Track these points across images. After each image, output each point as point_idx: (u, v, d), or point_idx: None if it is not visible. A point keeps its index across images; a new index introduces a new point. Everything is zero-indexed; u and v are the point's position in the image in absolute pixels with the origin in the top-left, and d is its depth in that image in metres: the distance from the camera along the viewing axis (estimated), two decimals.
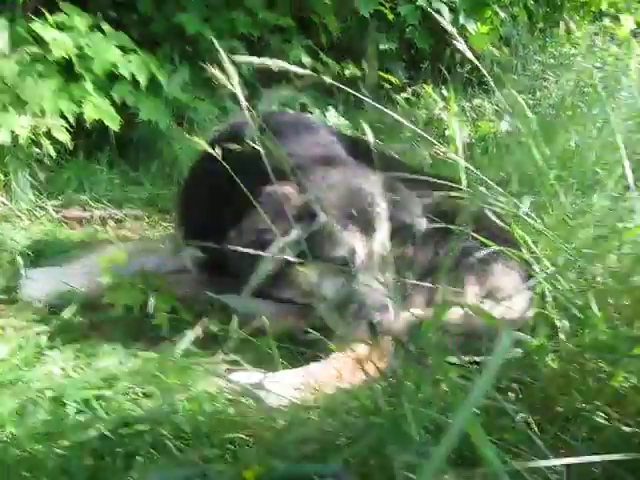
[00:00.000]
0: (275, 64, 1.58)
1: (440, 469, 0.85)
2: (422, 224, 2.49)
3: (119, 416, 1.95)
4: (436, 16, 1.86)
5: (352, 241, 2.39)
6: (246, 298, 2.60)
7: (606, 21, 8.68)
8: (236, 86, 1.58)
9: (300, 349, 2.23)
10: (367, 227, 2.43)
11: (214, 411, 1.98)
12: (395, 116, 2.01)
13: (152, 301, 2.49)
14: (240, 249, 1.93)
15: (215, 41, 1.66)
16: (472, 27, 5.74)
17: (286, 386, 2.12)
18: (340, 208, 2.36)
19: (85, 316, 2.57)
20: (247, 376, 2.11)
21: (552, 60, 6.72)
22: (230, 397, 2.05)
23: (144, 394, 2.11)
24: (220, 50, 1.58)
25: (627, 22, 8.80)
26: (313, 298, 2.32)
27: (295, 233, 1.98)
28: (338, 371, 2.06)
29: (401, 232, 2.48)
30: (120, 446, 1.81)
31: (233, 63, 1.68)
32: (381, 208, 2.48)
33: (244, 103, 1.61)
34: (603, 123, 4.66)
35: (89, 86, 4.11)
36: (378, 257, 2.46)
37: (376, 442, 1.57)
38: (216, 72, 1.58)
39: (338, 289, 2.39)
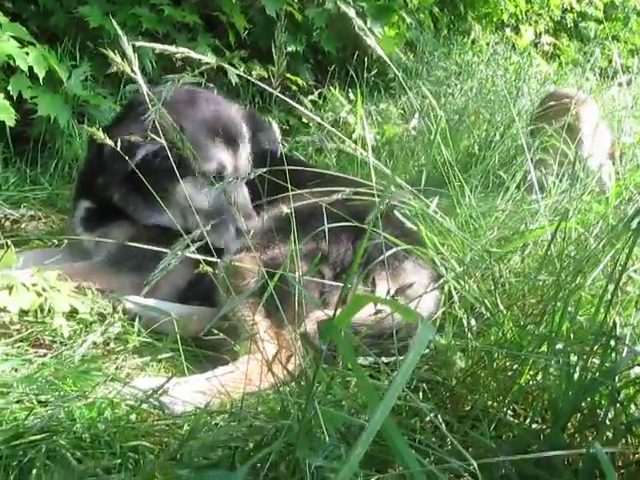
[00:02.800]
0: (178, 52, 1.52)
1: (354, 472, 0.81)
2: (278, 150, 2.79)
3: (12, 426, 1.83)
4: (347, 12, 1.82)
5: (220, 155, 2.68)
6: (150, 300, 2.55)
7: (507, 31, 8.98)
8: (137, 72, 1.51)
9: (206, 352, 2.16)
10: (232, 143, 2.73)
11: (115, 418, 1.88)
12: (305, 112, 1.98)
13: (49, 304, 2.37)
14: None
15: (119, 29, 1.57)
16: (379, 31, 5.77)
17: (192, 391, 2.05)
18: (205, 125, 2.65)
19: None
20: (150, 382, 2.03)
21: (456, 67, 6.87)
22: (132, 404, 1.96)
23: (39, 402, 1.99)
24: (122, 36, 1.50)
25: (527, 33, 9.14)
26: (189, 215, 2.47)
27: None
28: (246, 374, 2.00)
29: (262, 156, 2.66)
30: (13, 458, 1.70)
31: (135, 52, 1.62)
32: (244, 130, 2.82)
33: (145, 88, 1.54)
34: (505, 129, 4.80)
35: None
36: (244, 171, 2.74)
37: (285, 446, 1.53)
38: (116, 58, 1.51)
39: (210, 201, 2.66)
